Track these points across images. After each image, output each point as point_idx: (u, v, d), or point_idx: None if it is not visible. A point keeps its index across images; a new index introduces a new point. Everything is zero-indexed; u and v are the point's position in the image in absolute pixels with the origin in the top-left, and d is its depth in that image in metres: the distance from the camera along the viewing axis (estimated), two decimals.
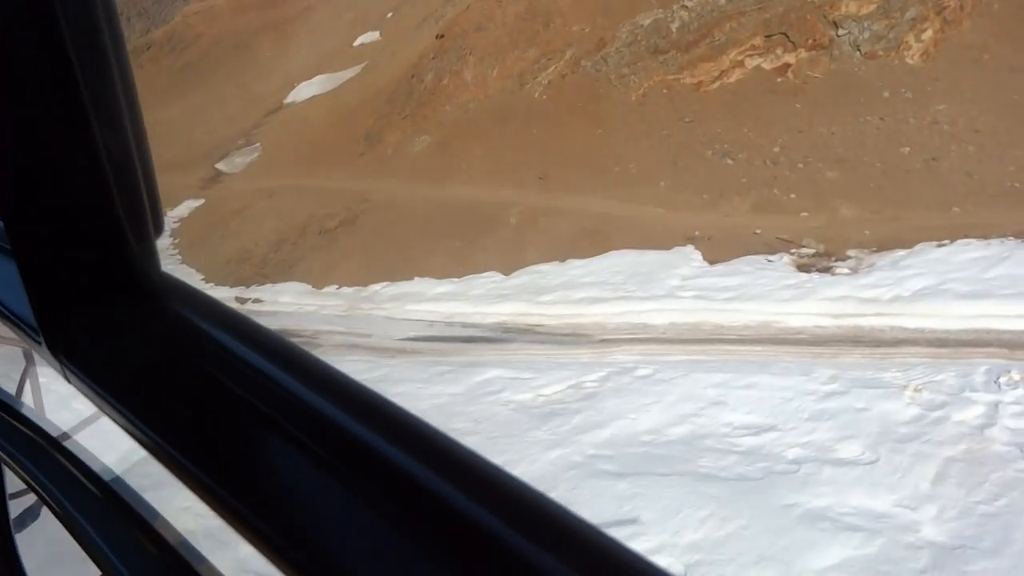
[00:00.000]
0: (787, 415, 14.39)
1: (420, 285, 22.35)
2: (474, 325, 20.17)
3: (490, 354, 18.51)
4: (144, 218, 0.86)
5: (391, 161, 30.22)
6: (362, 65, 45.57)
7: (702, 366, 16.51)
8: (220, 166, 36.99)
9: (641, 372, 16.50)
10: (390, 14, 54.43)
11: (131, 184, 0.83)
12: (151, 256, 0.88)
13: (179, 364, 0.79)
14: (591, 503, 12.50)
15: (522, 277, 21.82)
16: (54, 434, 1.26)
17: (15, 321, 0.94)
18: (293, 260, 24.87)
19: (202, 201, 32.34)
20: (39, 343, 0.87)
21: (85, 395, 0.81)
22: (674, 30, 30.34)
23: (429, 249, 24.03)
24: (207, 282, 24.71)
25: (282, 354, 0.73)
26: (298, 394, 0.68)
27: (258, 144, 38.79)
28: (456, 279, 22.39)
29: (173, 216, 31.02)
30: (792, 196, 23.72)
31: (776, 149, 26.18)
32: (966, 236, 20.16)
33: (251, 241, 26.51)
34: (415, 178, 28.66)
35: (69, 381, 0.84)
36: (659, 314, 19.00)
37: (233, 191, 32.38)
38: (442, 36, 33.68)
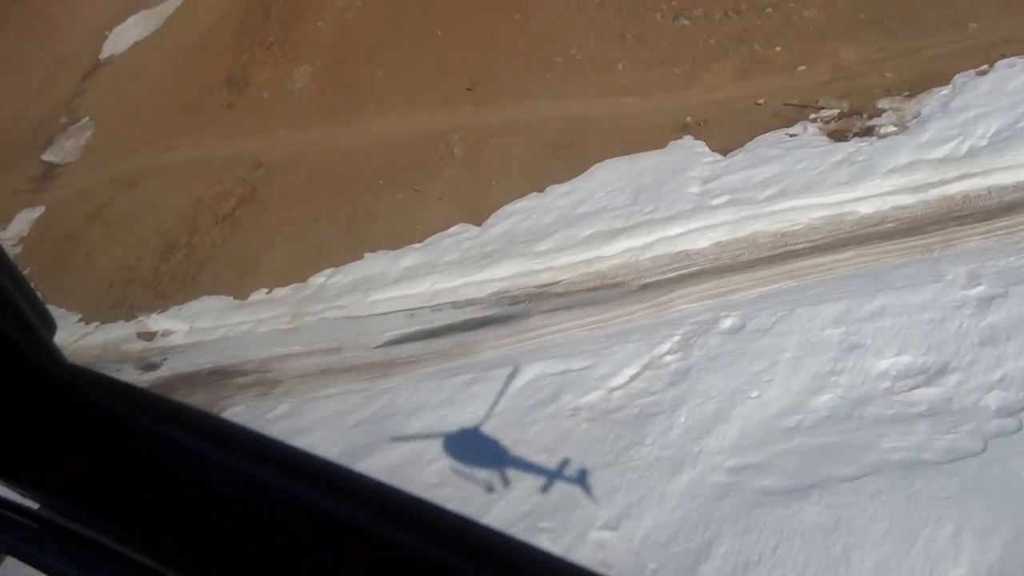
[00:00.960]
0: (951, 344, 10.97)
1: (375, 263, 17.40)
2: (469, 303, 15.65)
3: (509, 341, 14.18)
4: (29, 321, 0.86)
5: (271, 106, 24.08)
6: None
7: (797, 296, 12.81)
8: (49, 156, 29.32)
9: (726, 324, 12.63)
10: None
11: (1, 294, 0.84)
12: (52, 354, 0.88)
13: (109, 455, 0.80)
14: (792, 557, 8.85)
15: (500, 223, 17.24)
16: None
17: None
18: (194, 266, 19.16)
19: (42, 209, 25.24)
20: None
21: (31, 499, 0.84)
22: None
23: (366, 212, 18.89)
24: (88, 322, 18.75)
25: (211, 428, 0.77)
26: (227, 463, 0.72)
27: (87, 119, 31.03)
28: (418, 244, 17.55)
29: (8, 237, 24.06)
30: (777, 49, 19.78)
31: None
32: (1002, 55, 17.03)
33: (129, 252, 20.38)
34: (309, 122, 22.85)
35: (18, 494, 0.87)
36: (697, 235, 15.05)
37: (79, 187, 25.41)
38: None
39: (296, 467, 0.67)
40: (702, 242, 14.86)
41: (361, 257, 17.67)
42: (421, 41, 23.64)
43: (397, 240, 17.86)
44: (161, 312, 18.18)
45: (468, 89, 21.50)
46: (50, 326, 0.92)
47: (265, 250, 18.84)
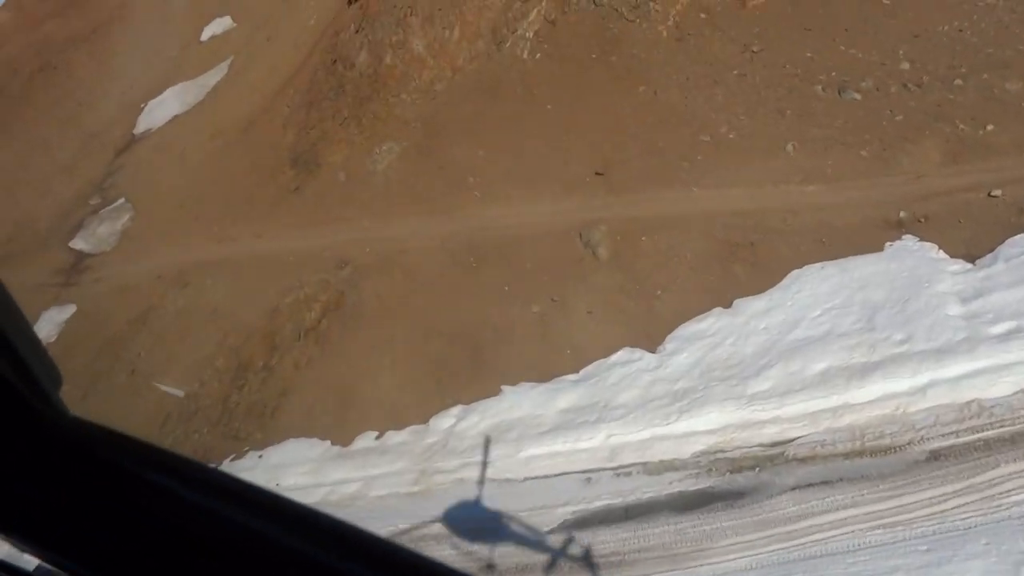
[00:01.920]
0: None
1: (519, 401, 13.31)
2: (668, 466, 11.49)
3: (758, 537, 9.99)
4: (34, 374, 0.87)
5: (349, 190, 20.42)
6: (227, 62, 34.41)
7: None
8: (79, 244, 25.57)
9: None
10: None
11: (7, 346, 0.84)
12: (56, 408, 0.89)
13: (114, 508, 0.81)
14: None
15: (684, 350, 13.23)
16: None
17: None
18: (274, 396, 15.06)
19: (73, 309, 21.31)
20: None
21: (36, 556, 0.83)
22: None
23: (493, 328, 14.91)
24: None
25: (214, 482, 0.78)
26: (235, 520, 0.73)
27: (122, 200, 27.43)
28: (573, 376, 13.50)
29: None
30: (989, 128, 16.17)
31: (905, 66, 18.52)
32: None
33: (188, 372, 16.31)
34: (400, 210, 19.13)
35: (18, 549, 0.86)
36: (990, 378, 11.05)
37: (117, 282, 21.57)
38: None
39: (299, 521, 0.71)
40: (1001, 388, 10.83)
41: (498, 392, 13.60)
42: (525, 116, 20.15)
43: (542, 368, 13.83)
44: (235, 459, 13.99)
45: (598, 173, 17.84)
46: (55, 378, 0.93)
47: (365, 377, 14.77)
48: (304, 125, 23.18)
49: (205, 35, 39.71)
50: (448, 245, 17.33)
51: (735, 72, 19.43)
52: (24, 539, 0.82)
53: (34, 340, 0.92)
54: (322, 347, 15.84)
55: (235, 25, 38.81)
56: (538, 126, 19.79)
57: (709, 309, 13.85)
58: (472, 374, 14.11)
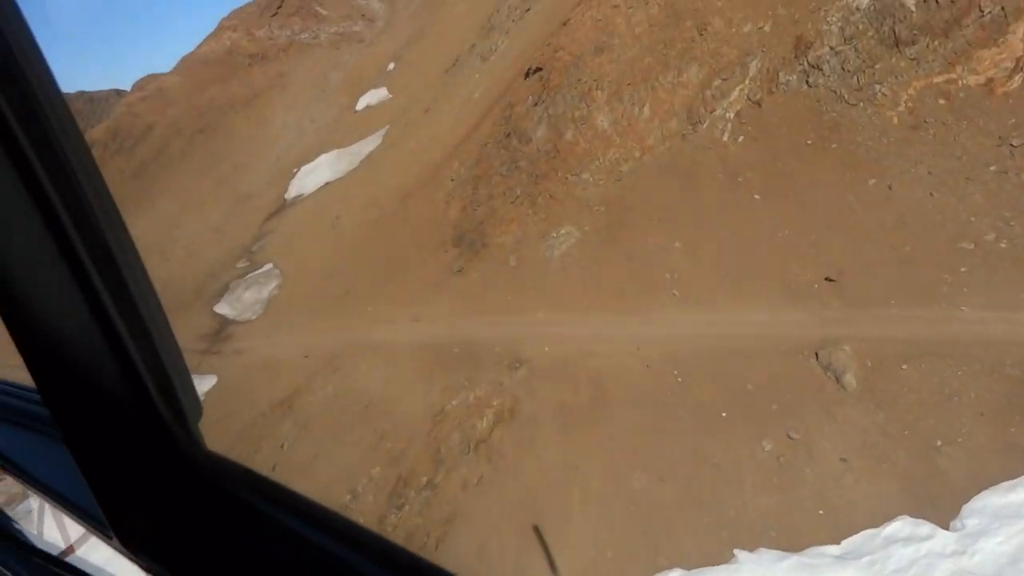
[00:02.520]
0: None
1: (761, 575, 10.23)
2: None
3: None
4: (179, 403, 0.92)
5: (521, 276, 18.26)
6: (382, 132, 33.84)
7: None
8: (223, 309, 24.58)
9: None
10: (391, 65, 42.85)
11: (161, 372, 0.89)
12: (194, 439, 0.94)
13: (239, 543, 0.85)
14: None
15: (993, 532, 9.84)
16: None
17: (82, 516, 0.98)
18: (439, 523, 12.54)
19: (213, 381, 19.89)
20: (110, 537, 0.91)
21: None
22: (912, 7, 19.18)
23: (713, 466, 11.94)
24: None
25: (334, 524, 0.81)
26: (351, 562, 0.75)
27: (270, 266, 26.46)
28: (834, 549, 10.28)
29: None
30: None
31: None
32: None
33: (338, 480, 14.07)
34: (581, 303, 16.72)
35: (144, 569, 0.88)
36: None
37: (261, 357, 20.06)
38: (538, 70, 22.03)
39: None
40: None
41: (730, 557, 10.55)
42: (730, 207, 17.52)
43: (786, 530, 10.72)
44: None
45: (829, 280, 14.84)
46: (197, 411, 0.96)
47: (550, 510, 12.07)
48: (470, 201, 21.39)
49: (360, 105, 39.74)
50: (645, 352, 14.62)
51: (992, 168, 16.19)
52: (154, 562, 0.83)
53: (185, 375, 0.94)
54: (494, 465, 13.28)
55: (390, 96, 38.60)
56: (745, 219, 17.06)
57: (1017, 475, 10.42)
58: (690, 526, 11.14)
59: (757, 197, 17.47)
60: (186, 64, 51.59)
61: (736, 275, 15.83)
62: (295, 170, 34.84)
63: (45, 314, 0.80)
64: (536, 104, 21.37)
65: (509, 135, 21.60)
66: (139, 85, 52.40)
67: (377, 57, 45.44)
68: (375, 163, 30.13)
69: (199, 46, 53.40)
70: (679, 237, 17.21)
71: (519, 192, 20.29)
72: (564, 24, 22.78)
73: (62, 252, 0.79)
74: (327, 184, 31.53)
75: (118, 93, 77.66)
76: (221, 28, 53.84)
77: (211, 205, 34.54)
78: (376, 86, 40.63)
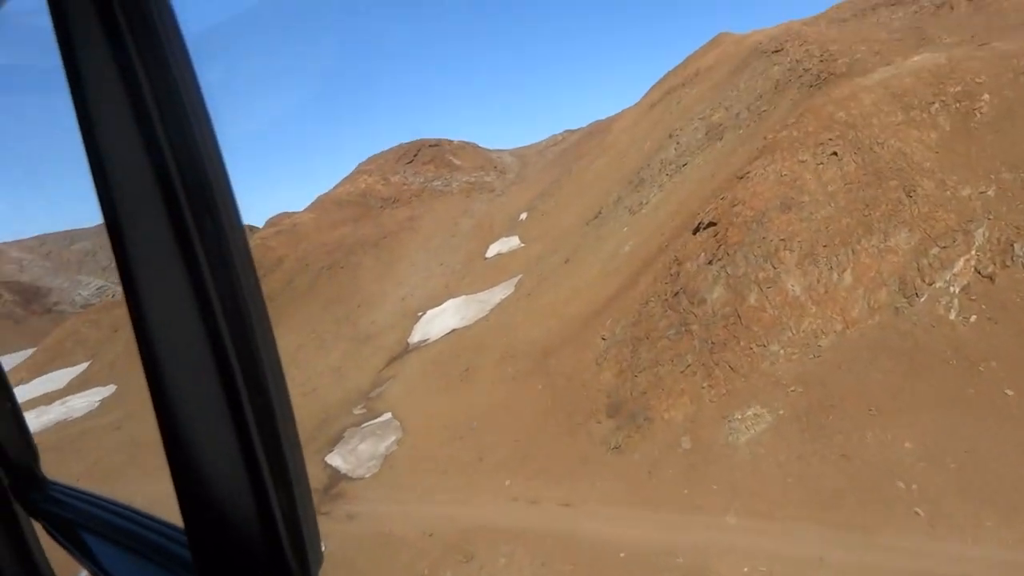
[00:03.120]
0: None
1: None
2: None
3: None
4: (306, 554, 0.91)
5: (695, 463, 15.00)
6: (514, 280, 32.16)
7: None
8: (336, 460, 22.11)
9: None
10: (523, 215, 42.02)
11: (294, 520, 0.88)
12: None
13: None
14: None
15: None
16: None
17: None
18: None
19: (322, 548, 17.18)
20: None
21: None
22: None
23: None
24: None
25: None
26: None
27: (388, 416, 24.08)
28: None
29: None
30: None
31: None
32: None
33: None
34: (784, 507, 13.26)
35: None
36: None
37: (378, 529, 17.11)
38: (711, 225, 19.70)
39: None
40: None
41: None
42: (972, 401, 13.98)
43: None
44: None
45: None
46: (319, 562, 0.97)
47: None
48: (629, 365, 18.59)
49: (490, 252, 38.56)
50: None
51: None
52: None
53: (314, 524, 0.95)
54: None
55: (522, 245, 37.28)
56: (997, 418, 13.44)
57: None
58: None
59: (1009, 393, 13.87)
60: (320, 203, 52.93)
61: (1002, 494, 12.06)
62: (420, 313, 33.29)
63: (201, 450, 0.80)
64: (710, 262, 18.84)
65: (677, 294, 19.00)
66: (274, 221, 53.95)
67: (508, 206, 44.94)
68: (508, 312, 28.08)
69: (335, 187, 55.01)
70: (909, 435, 13.67)
71: (690, 360, 17.36)
72: (740, 178, 20.59)
73: (223, 381, 0.78)
74: (454, 331, 29.59)
75: (251, 228, 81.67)
76: (358, 172, 55.48)
77: (331, 343, 33.16)
78: (507, 234, 39.60)
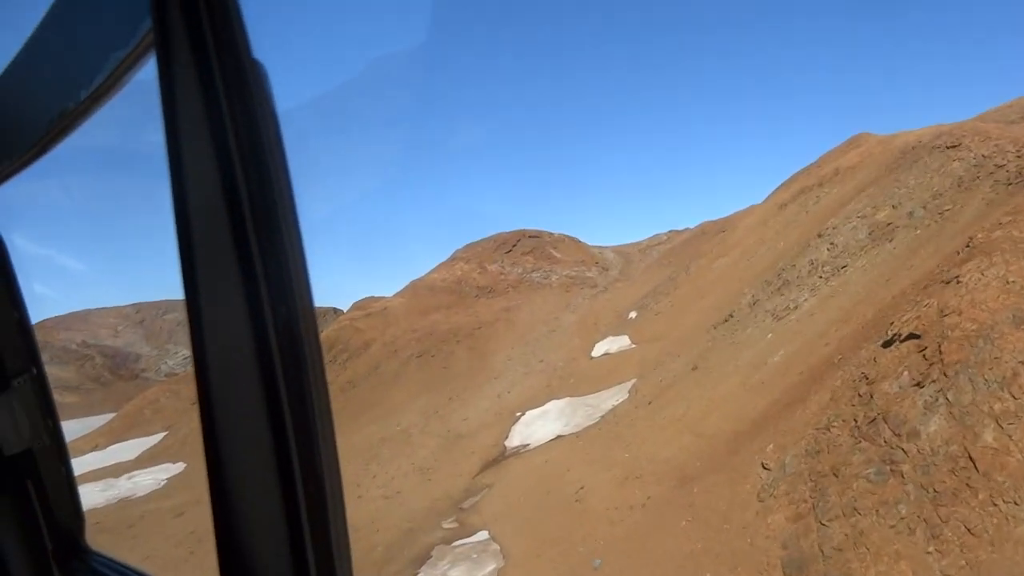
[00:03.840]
0: None
1: None
2: None
3: None
4: None
5: None
6: (627, 384, 28.38)
7: None
8: None
9: None
10: (632, 313, 38.46)
11: None
12: None
13: None
14: None
15: None
16: None
17: None
18: None
19: None
20: None
21: None
22: None
23: None
24: None
25: None
26: None
27: (484, 535, 20.23)
28: None
29: None
30: None
31: None
32: None
33: None
34: None
35: None
36: None
37: None
38: (912, 336, 15.71)
39: None
40: None
41: None
42: None
43: None
44: None
45: None
46: None
47: None
48: (813, 508, 14.41)
49: (597, 351, 34.96)
50: None
51: None
52: None
53: None
54: None
55: (634, 346, 33.57)
56: None
57: None
58: None
59: None
60: (413, 288, 50.83)
61: None
62: (519, 413, 29.71)
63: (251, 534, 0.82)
64: (919, 384, 14.75)
65: (874, 421, 14.89)
66: (361, 304, 52.07)
67: (614, 303, 41.53)
68: (625, 422, 24.22)
69: (429, 273, 53.00)
70: None
71: (904, 512, 13.10)
72: (947, 283, 16.66)
73: (279, 462, 0.79)
74: (559, 437, 25.83)
75: (336, 311, 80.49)
76: (454, 259, 53.47)
77: (418, 439, 29.78)
78: (615, 333, 36.01)
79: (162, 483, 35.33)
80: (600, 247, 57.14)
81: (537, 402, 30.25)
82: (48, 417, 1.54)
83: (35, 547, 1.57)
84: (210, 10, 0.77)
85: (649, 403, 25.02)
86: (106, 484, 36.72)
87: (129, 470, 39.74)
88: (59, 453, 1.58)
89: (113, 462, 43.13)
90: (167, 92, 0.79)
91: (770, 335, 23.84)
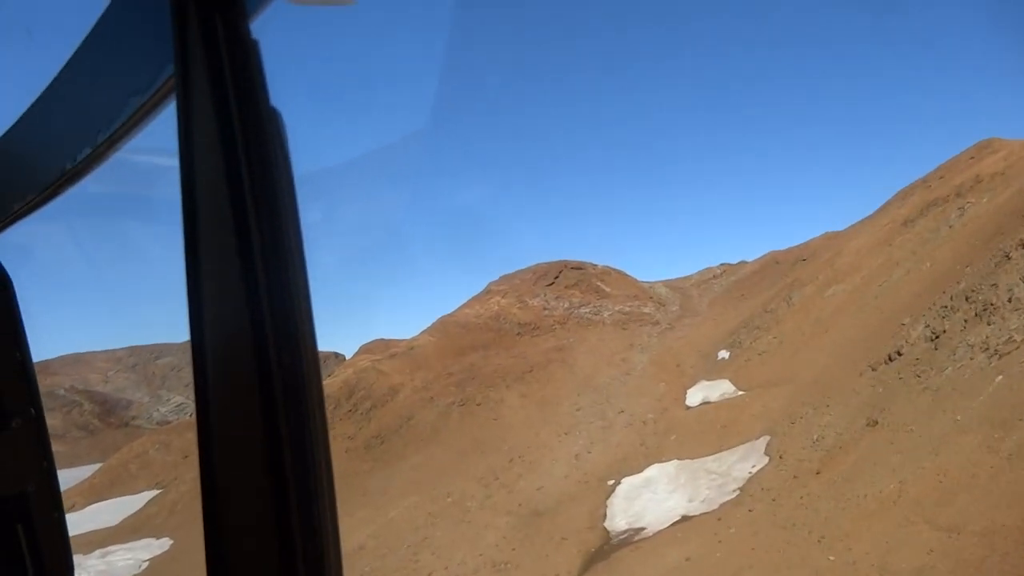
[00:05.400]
0: None
1: None
2: None
3: None
4: None
5: None
6: (759, 443, 21.24)
7: None
8: None
9: None
10: (723, 353, 31.36)
11: None
12: None
13: None
14: None
15: None
16: None
17: None
18: None
19: None
20: None
21: None
22: None
23: None
24: None
25: None
26: None
27: None
28: None
29: None
30: None
31: None
32: None
33: None
34: None
35: None
36: None
37: None
38: None
39: None
40: None
41: None
42: None
43: None
44: None
45: None
46: None
47: None
48: None
49: (692, 399, 27.61)
50: None
51: None
52: None
53: None
54: None
55: (740, 392, 26.39)
56: None
57: None
58: None
59: None
60: (442, 326, 43.69)
61: None
62: (611, 481, 22.43)
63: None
64: None
65: None
66: (369, 347, 45.01)
67: (692, 342, 34.45)
68: (789, 501, 17.04)
69: (460, 308, 45.98)
70: None
71: None
72: None
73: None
74: (687, 519, 18.57)
75: (337, 356, 73.01)
76: (488, 292, 46.55)
77: (480, 515, 22.37)
78: (709, 377, 28.86)
79: (143, 566, 27.68)
80: (650, 282, 50.28)
81: (633, 466, 22.98)
82: (44, 460, 1.52)
83: None
84: (232, 58, 0.76)
85: (817, 473, 17.83)
86: (76, 561, 29.24)
87: (104, 543, 32.01)
88: (52, 498, 1.56)
89: (89, 528, 35.53)
90: (185, 137, 0.78)
91: (1000, 377, 16.79)
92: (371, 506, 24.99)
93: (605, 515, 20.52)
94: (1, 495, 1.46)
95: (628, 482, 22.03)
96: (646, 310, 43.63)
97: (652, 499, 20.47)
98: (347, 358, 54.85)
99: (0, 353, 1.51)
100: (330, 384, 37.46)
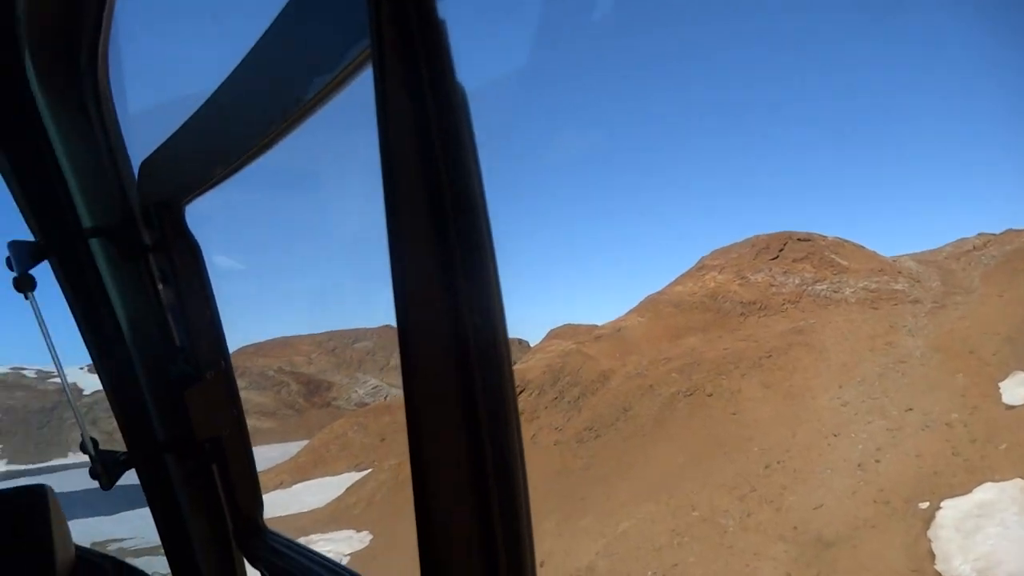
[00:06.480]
0: None
1: None
2: None
3: None
4: None
5: None
6: None
7: None
8: None
9: None
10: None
11: None
12: None
13: None
14: None
15: None
16: None
17: None
18: None
19: None
20: None
21: None
22: None
23: None
24: None
25: None
26: None
27: None
28: None
29: None
30: None
31: None
32: None
33: None
34: None
35: None
36: None
37: None
38: None
39: None
40: None
41: None
42: None
43: None
44: None
45: None
46: None
47: None
48: None
49: (1011, 396, 21.06)
50: None
51: None
52: None
53: None
54: None
55: None
56: None
57: None
58: None
59: None
60: (652, 305, 38.78)
61: None
62: (925, 504, 16.65)
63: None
64: None
65: None
66: (560, 332, 41.01)
67: (982, 324, 27.11)
68: None
69: (670, 285, 40.86)
70: None
71: None
72: None
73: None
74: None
75: (521, 342, 70.01)
76: (702, 267, 41.00)
77: (743, 539, 17.46)
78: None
79: (343, 560, 25.51)
80: (894, 256, 42.33)
81: (953, 483, 17.02)
82: (234, 407, 1.65)
83: (218, 525, 1.74)
84: (423, 34, 0.78)
85: None
86: None
87: (307, 530, 30.58)
88: (242, 441, 1.71)
89: (295, 510, 35.14)
90: (381, 107, 0.81)
91: None
92: (594, 513, 20.88)
93: (932, 553, 14.88)
94: (198, 439, 1.61)
95: (953, 506, 16.16)
96: (897, 287, 36.19)
97: (1001, 535, 14.54)
98: (531, 345, 51.85)
99: (193, 312, 1.64)
100: (528, 369, 33.97)
